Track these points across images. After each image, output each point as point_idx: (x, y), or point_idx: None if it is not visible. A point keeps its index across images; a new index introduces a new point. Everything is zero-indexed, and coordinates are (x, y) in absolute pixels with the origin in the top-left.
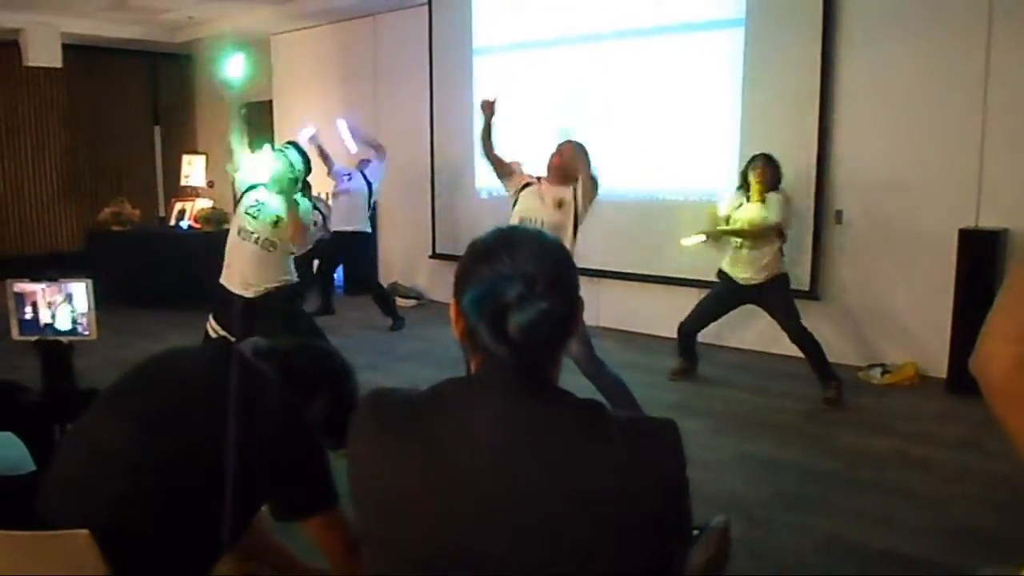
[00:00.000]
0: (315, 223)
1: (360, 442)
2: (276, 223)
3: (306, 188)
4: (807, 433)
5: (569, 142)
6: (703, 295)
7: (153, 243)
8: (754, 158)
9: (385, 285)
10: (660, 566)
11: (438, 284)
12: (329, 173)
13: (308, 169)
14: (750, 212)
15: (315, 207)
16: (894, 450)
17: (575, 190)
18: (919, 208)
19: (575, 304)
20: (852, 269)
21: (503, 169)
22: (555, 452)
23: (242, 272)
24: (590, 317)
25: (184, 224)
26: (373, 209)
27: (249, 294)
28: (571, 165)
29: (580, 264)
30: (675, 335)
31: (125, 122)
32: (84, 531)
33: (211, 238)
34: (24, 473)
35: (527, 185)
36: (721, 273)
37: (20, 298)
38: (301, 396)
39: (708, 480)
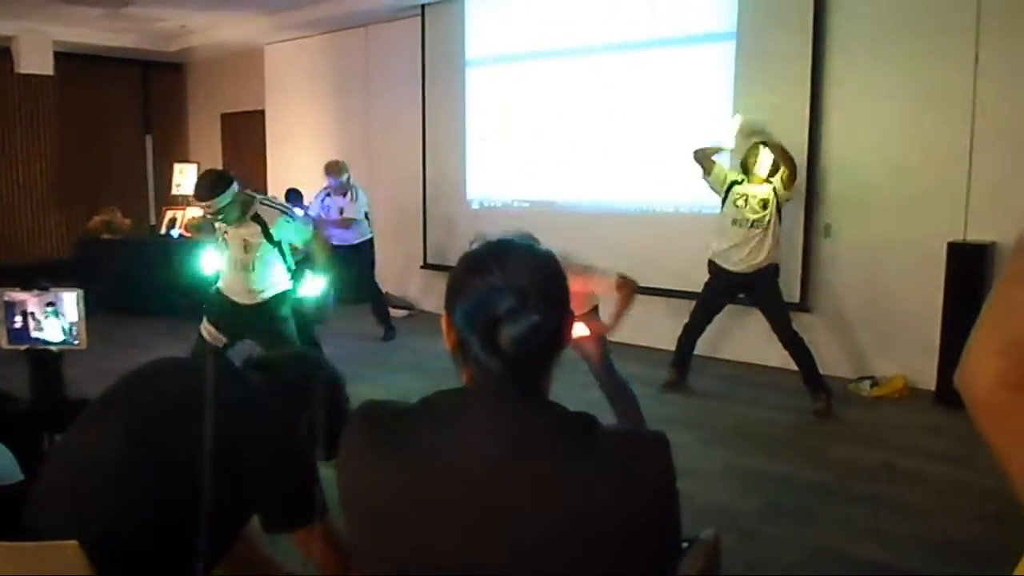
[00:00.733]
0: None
1: (351, 454)
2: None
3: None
4: (797, 445)
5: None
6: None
7: (143, 252)
8: (755, 145)
9: None
10: None
11: (429, 294)
12: (307, 213)
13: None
14: (753, 188)
15: (306, 215)
16: (883, 462)
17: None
18: (908, 221)
19: (566, 317)
20: (842, 282)
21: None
22: (546, 465)
23: (236, 280)
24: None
25: (175, 233)
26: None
27: (245, 300)
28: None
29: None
30: (667, 347)
31: (116, 130)
32: (73, 542)
33: (202, 247)
34: (12, 483)
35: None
36: (711, 264)
37: (10, 307)
38: (292, 407)
39: (698, 492)
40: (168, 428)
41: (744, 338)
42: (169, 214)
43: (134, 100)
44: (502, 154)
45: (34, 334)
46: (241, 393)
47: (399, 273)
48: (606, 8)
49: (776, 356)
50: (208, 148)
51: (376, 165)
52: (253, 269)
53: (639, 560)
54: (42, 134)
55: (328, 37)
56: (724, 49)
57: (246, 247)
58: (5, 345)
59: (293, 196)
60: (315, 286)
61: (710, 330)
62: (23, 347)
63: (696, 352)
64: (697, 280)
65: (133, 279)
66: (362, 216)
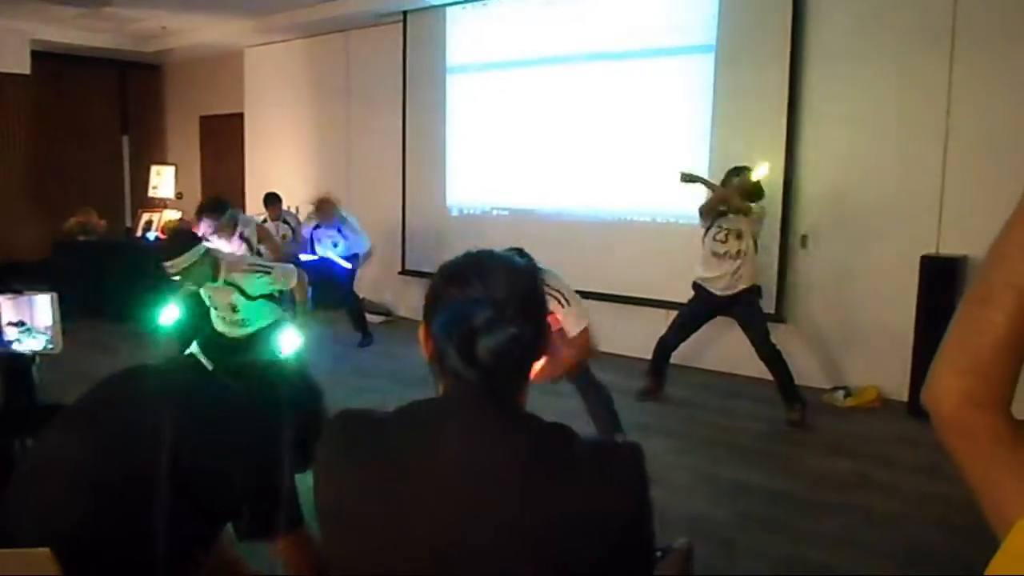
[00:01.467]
0: (284, 237)
1: (327, 463)
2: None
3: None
4: (771, 455)
5: None
6: (672, 316)
7: (119, 254)
8: (738, 169)
9: None
10: None
11: (407, 300)
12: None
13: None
14: (731, 222)
15: (284, 221)
16: (856, 472)
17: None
18: (882, 234)
19: (544, 329)
20: (817, 293)
21: None
22: (521, 475)
23: (231, 331)
24: None
25: (151, 235)
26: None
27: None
28: None
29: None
30: (643, 355)
31: (93, 131)
32: (45, 549)
33: (166, 298)
34: None
35: None
36: (696, 285)
37: None
38: (268, 415)
39: (672, 502)
40: (144, 436)
41: (720, 347)
42: (145, 216)
43: (111, 101)
44: (482, 161)
45: (7, 338)
46: (216, 400)
47: (377, 278)
48: (587, 18)
49: (752, 366)
50: (186, 150)
51: (355, 170)
52: (245, 325)
53: (614, 569)
54: (17, 134)
55: (309, 41)
56: (703, 61)
57: (233, 309)
58: None
59: (271, 200)
60: (292, 342)
61: (687, 339)
62: None
63: (672, 361)
64: (673, 289)
65: (108, 282)
66: (363, 248)
